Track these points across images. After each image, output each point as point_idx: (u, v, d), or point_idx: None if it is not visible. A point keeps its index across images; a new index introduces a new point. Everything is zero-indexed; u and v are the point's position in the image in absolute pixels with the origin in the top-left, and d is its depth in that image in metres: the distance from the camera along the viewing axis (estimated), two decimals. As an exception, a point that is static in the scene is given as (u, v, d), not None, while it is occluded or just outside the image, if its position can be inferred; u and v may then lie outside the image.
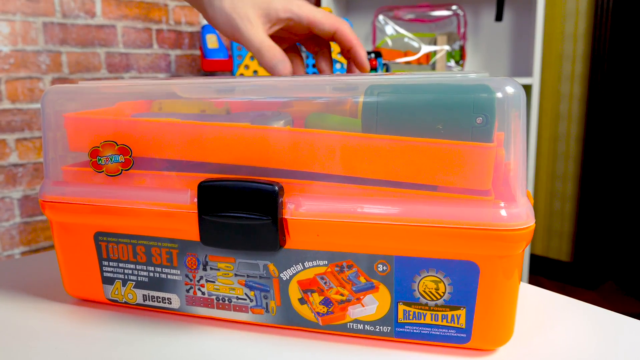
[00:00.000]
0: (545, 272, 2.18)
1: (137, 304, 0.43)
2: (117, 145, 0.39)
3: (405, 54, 1.96)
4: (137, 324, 0.41)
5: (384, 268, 0.35)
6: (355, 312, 0.37)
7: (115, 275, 0.42)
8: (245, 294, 0.39)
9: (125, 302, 0.43)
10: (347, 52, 0.48)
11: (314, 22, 0.45)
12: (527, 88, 1.84)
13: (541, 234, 2.18)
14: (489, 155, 0.32)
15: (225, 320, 0.41)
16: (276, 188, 0.35)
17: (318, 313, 0.38)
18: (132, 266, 0.41)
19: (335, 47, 1.70)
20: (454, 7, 1.96)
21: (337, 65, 1.72)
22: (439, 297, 0.35)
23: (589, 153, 1.98)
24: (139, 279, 0.42)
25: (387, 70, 1.81)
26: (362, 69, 0.49)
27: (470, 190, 0.33)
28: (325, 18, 0.45)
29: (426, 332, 0.36)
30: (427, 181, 0.34)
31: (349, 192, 0.35)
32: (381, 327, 0.37)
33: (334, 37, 0.47)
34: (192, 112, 0.41)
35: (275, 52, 0.43)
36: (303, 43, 0.51)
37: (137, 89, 0.41)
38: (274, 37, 0.48)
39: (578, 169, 2.04)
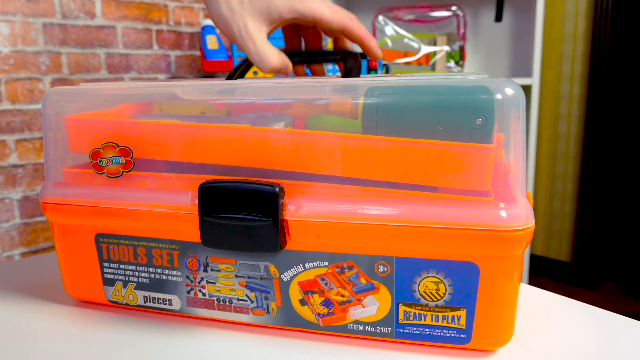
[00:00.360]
0: (545, 272, 2.18)
1: (138, 306, 0.43)
2: (118, 146, 0.39)
3: (405, 55, 1.97)
4: (137, 325, 0.41)
5: (385, 269, 0.35)
6: (356, 313, 0.37)
7: (116, 277, 0.42)
8: (246, 295, 0.39)
9: (126, 304, 0.43)
10: (359, 45, 0.48)
11: (320, 20, 0.44)
12: (527, 88, 1.84)
13: (541, 234, 2.18)
14: (489, 156, 0.32)
15: (225, 321, 0.41)
16: (277, 189, 0.35)
17: (319, 314, 0.38)
18: (133, 267, 0.42)
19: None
20: (453, 8, 1.96)
21: (337, 66, 1.72)
22: (439, 297, 0.35)
23: (588, 153, 1.98)
24: (140, 281, 0.42)
25: (386, 71, 1.81)
26: (376, 58, 0.48)
27: (470, 191, 0.33)
28: (332, 16, 0.44)
29: (426, 332, 0.36)
30: (427, 182, 0.34)
31: (349, 194, 0.35)
32: (382, 328, 0.37)
33: (342, 33, 0.46)
34: (193, 114, 0.41)
35: (271, 60, 0.42)
36: (302, 30, 0.50)
37: (137, 91, 0.42)
38: None
39: (578, 169, 2.04)
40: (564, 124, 2.05)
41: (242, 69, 0.46)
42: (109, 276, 0.43)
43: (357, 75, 0.41)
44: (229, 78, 0.45)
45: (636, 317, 1.78)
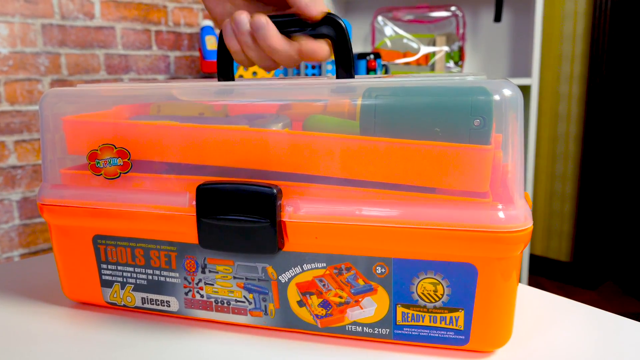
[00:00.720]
0: (544, 272, 2.18)
1: (136, 307, 0.43)
2: (116, 148, 0.39)
3: (405, 55, 1.97)
4: (136, 327, 0.41)
5: (383, 270, 0.35)
6: (354, 314, 0.37)
7: (113, 278, 0.42)
8: (244, 296, 0.39)
9: (124, 305, 0.43)
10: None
11: None
12: (526, 88, 1.84)
13: (541, 234, 2.18)
14: (487, 157, 0.32)
15: (224, 323, 0.41)
16: (274, 191, 0.35)
17: (317, 315, 0.38)
18: (131, 269, 0.41)
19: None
20: (452, 8, 1.96)
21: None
22: (437, 299, 0.35)
23: (588, 153, 1.98)
24: (138, 282, 0.42)
25: (386, 72, 1.80)
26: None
27: (469, 193, 0.33)
28: None
29: (425, 334, 0.36)
30: (425, 183, 0.34)
31: (348, 195, 0.35)
32: (380, 329, 0.37)
33: None
34: (190, 115, 0.41)
35: None
36: None
37: (135, 92, 0.41)
38: None
39: (577, 169, 2.04)
40: (563, 124, 2.05)
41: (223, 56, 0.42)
42: (107, 277, 0.42)
43: (347, 46, 0.38)
44: (219, 69, 0.42)
45: (635, 317, 1.78)
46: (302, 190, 0.36)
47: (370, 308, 0.36)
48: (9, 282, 0.51)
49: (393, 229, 0.34)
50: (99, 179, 0.40)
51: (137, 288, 0.42)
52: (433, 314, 0.35)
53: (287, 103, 0.39)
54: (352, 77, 0.39)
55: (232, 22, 0.39)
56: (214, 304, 0.40)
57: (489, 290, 0.34)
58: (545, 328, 0.40)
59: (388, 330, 0.37)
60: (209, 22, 1.82)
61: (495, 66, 2.06)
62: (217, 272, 0.39)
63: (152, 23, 1.85)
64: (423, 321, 0.36)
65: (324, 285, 0.37)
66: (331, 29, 0.38)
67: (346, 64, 0.39)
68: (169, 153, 0.38)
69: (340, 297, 0.37)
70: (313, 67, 1.70)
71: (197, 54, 2.00)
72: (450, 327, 0.35)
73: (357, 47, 2.22)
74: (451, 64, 1.93)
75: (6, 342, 0.39)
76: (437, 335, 0.36)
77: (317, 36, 0.39)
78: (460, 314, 0.35)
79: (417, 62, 1.95)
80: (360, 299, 0.36)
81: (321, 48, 0.39)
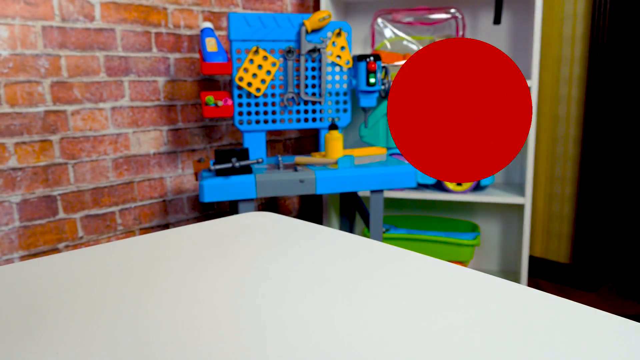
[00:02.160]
0: (544, 274, 2.18)
1: None
2: None
3: (404, 57, 1.97)
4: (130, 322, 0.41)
5: None
6: None
7: None
8: None
9: None
10: None
11: None
12: (526, 90, 1.84)
13: (540, 235, 2.18)
14: None
15: None
16: None
17: None
18: None
19: (335, 50, 1.69)
20: (452, 10, 1.97)
21: (336, 69, 1.72)
22: None
23: (587, 155, 1.99)
24: None
25: (386, 74, 1.81)
26: None
27: None
28: None
29: None
30: None
31: None
32: None
33: None
34: None
35: None
36: None
37: None
38: None
39: (576, 171, 2.04)
40: (562, 126, 2.05)
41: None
42: None
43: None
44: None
45: (635, 319, 1.78)
46: None
47: None
48: (9, 283, 0.51)
49: None
50: None
51: None
52: None
53: None
54: None
55: None
56: None
57: None
58: (545, 329, 0.40)
59: None
60: (208, 24, 1.82)
61: (494, 68, 2.06)
62: None
63: (152, 25, 1.85)
64: None
65: None
66: None
67: None
68: None
69: None
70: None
71: (197, 55, 2.01)
72: None
73: (356, 49, 2.23)
74: (451, 66, 1.94)
75: (7, 343, 0.39)
76: None
77: None
78: None
79: (417, 64, 1.95)
80: None
81: None
